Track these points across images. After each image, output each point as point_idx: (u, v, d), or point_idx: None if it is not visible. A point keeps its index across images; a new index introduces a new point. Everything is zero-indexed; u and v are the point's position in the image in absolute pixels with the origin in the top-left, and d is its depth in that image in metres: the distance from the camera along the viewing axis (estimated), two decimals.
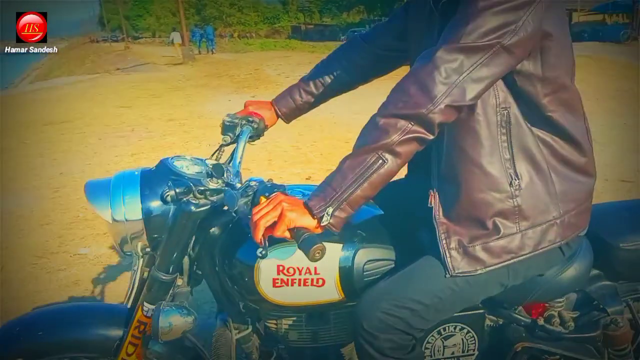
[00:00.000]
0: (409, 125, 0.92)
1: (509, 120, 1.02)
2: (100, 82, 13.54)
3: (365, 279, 1.14)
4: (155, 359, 1.26)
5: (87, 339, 1.22)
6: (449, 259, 1.04)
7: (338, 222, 0.96)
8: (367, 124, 0.97)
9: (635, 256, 1.25)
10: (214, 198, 1.10)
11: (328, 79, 1.41)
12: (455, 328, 1.25)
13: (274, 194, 1.00)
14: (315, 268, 1.11)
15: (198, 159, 1.23)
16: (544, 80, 1.00)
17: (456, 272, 1.04)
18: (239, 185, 1.10)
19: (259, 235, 0.95)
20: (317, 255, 0.92)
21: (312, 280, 1.11)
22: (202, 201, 1.10)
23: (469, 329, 1.25)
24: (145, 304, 1.18)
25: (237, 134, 1.30)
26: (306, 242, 0.93)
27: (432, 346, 1.26)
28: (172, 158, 1.18)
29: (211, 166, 1.13)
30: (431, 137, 0.95)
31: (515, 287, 1.15)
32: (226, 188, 1.10)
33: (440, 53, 0.92)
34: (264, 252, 0.95)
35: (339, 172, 0.96)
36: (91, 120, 7.51)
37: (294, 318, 1.24)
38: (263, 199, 1.01)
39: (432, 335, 1.24)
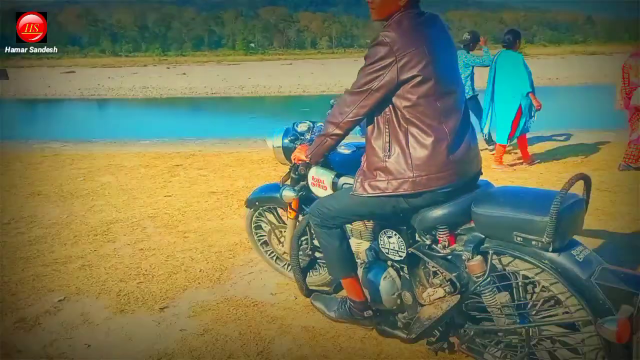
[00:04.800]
0: (334, 127, 2.05)
1: (389, 121, 1.95)
2: None
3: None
4: (300, 212, 2.87)
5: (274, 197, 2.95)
6: (355, 186, 2.11)
7: (313, 160, 2.24)
8: (324, 121, 2.16)
9: (475, 218, 1.88)
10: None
11: None
12: (392, 233, 2.25)
13: (300, 144, 2.40)
14: (324, 180, 2.42)
15: (312, 122, 2.67)
16: (404, 98, 1.87)
17: (354, 192, 2.08)
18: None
19: (293, 161, 2.40)
20: (301, 170, 2.30)
21: (322, 186, 2.43)
22: None
23: (399, 235, 2.22)
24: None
25: None
26: (299, 165, 2.31)
27: (382, 238, 2.30)
28: (297, 122, 2.68)
29: (306, 127, 2.60)
30: (343, 134, 2.04)
31: (404, 214, 2.09)
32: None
33: (346, 94, 1.98)
34: (300, 169, 2.41)
35: (313, 141, 2.21)
36: None
37: None
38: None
39: (382, 233, 2.28)
